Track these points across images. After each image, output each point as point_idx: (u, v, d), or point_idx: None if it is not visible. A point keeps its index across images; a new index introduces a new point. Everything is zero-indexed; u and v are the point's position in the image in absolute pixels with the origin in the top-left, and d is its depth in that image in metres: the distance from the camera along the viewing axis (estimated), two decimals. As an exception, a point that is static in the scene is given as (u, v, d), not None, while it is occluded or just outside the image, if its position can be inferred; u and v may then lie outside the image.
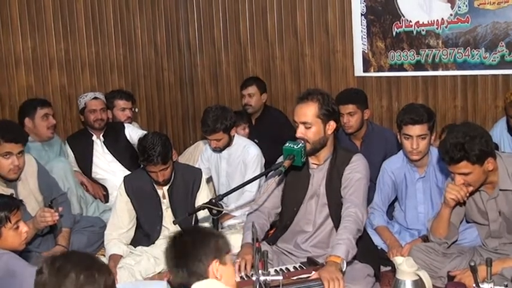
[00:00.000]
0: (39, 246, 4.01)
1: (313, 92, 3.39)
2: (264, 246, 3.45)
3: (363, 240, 3.36)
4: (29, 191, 4.11)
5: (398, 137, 4.03)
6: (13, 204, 3.18)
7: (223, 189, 4.62)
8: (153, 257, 4.04)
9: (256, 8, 6.20)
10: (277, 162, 3.41)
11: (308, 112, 3.28)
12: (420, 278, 2.95)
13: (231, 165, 4.75)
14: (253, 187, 4.44)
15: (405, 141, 3.94)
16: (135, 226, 4.16)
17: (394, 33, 5.44)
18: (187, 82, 6.65)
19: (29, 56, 5.40)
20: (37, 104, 4.96)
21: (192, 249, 2.29)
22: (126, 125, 5.32)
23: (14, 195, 3.81)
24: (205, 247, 2.30)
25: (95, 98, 5.21)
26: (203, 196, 4.09)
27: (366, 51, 5.64)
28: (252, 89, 5.64)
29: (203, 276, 2.25)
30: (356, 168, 3.36)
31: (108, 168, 5.13)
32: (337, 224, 3.30)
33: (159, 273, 3.98)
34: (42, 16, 5.45)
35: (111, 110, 5.42)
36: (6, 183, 3.99)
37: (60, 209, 3.85)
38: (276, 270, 3.17)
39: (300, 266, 3.22)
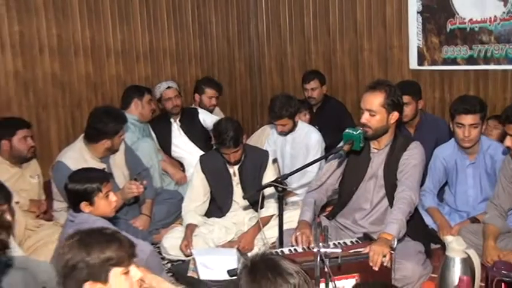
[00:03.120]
0: (126, 214, 4.14)
1: (382, 82, 3.37)
2: (324, 221, 3.49)
3: (415, 220, 3.35)
4: (117, 166, 4.26)
5: (451, 125, 3.97)
6: (104, 177, 3.32)
7: (287, 169, 4.63)
8: (224, 227, 4.12)
9: (319, 3, 6.18)
10: (337, 146, 3.42)
11: (374, 101, 3.26)
12: (469, 256, 2.93)
13: (295, 148, 4.76)
14: (314, 168, 4.45)
15: (458, 130, 3.88)
16: (209, 200, 4.21)
17: (448, 30, 5.34)
18: (255, 72, 6.67)
19: (119, 48, 5.52)
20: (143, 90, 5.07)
21: None
22: (200, 110, 5.36)
23: (106, 170, 3.95)
24: None
25: (169, 87, 5.25)
26: (269, 175, 4.11)
27: (421, 46, 5.56)
28: (314, 83, 5.60)
29: None
30: (413, 155, 3.33)
31: (185, 148, 5.19)
32: (392, 203, 3.30)
33: (230, 241, 4.05)
34: (130, 10, 5.56)
35: (200, 95, 5.48)
36: (100, 159, 4.14)
37: (144, 182, 3.97)
38: (334, 244, 3.18)
39: (356, 241, 3.22)
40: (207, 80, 5.65)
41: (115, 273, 2.06)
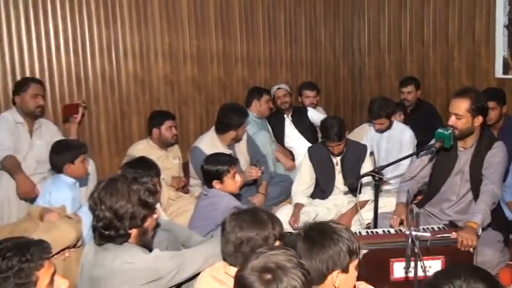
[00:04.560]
0: (246, 192, 4.19)
1: (469, 89, 3.23)
2: (414, 209, 3.40)
3: (496, 212, 3.19)
4: (241, 153, 4.36)
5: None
6: (232, 161, 3.41)
7: (382, 162, 4.51)
8: (326, 208, 4.12)
9: (415, 18, 5.95)
10: (430, 144, 3.32)
11: (461, 106, 3.13)
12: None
13: (390, 144, 4.63)
14: (406, 162, 4.31)
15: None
16: (314, 184, 4.21)
17: (532, 42, 5.00)
18: (357, 77, 6.57)
19: (245, 56, 5.57)
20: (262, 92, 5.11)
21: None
22: (309, 108, 5.35)
23: (232, 155, 4.03)
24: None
25: (278, 88, 5.31)
26: (366, 166, 4.05)
27: (506, 57, 5.24)
28: (410, 88, 5.39)
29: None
30: (497, 154, 3.17)
31: (295, 139, 5.20)
32: (476, 196, 3.17)
33: (331, 220, 4.01)
34: (255, 24, 5.62)
35: (301, 97, 5.49)
36: (228, 146, 4.25)
37: (262, 167, 4.04)
38: (423, 228, 3.09)
39: (443, 227, 3.11)
40: (304, 83, 5.63)
41: None
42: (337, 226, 1.96)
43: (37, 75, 4.40)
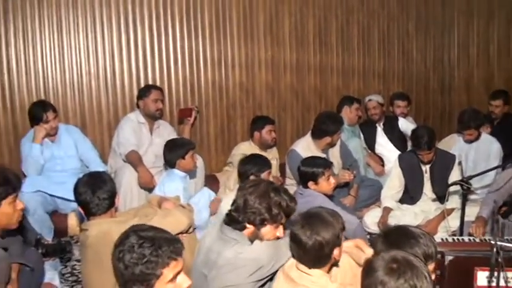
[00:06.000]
0: (338, 193, 4.16)
1: None
2: (500, 220, 3.31)
3: None
4: (334, 157, 4.38)
5: None
6: (327, 164, 3.47)
7: (469, 172, 4.33)
8: (414, 213, 4.07)
9: (503, 36, 5.84)
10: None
11: None
12: None
13: (478, 154, 4.48)
14: (492, 173, 4.16)
15: None
16: (403, 189, 4.18)
17: None
18: (446, 89, 6.39)
19: (317, 64, 5.51)
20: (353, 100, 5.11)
21: None
22: (399, 118, 5.26)
23: (327, 157, 4.09)
24: None
25: (370, 100, 5.27)
26: (454, 175, 3.95)
27: None
28: (499, 102, 5.16)
29: None
30: None
31: (385, 146, 5.14)
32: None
33: (417, 225, 3.99)
34: (328, 35, 5.62)
35: (392, 106, 5.44)
36: (322, 151, 4.28)
37: (354, 172, 4.07)
38: (507, 239, 3.00)
39: (529, 238, 3.01)
40: (398, 94, 5.52)
41: None
42: (416, 231, 1.98)
43: (158, 83, 4.75)
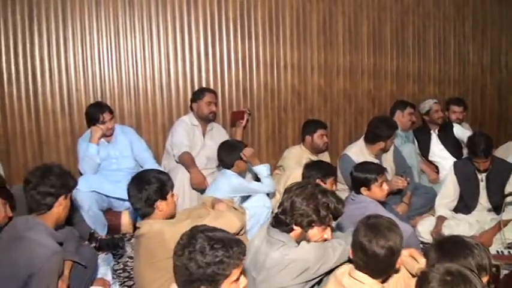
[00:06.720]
0: (391, 200, 4.04)
1: None
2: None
3: None
4: (387, 162, 4.30)
5: None
6: (381, 170, 3.39)
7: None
8: (468, 223, 3.94)
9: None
10: None
11: None
12: None
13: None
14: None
15: None
16: (457, 198, 4.08)
17: None
18: (504, 95, 6.16)
19: (371, 68, 5.48)
20: (406, 104, 5.04)
21: None
22: (454, 124, 5.12)
23: (379, 163, 4.05)
24: None
25: (435, 102, 5.18)
26: (512, 185, 3.82)
27: None
28: None
29: None
30: None
31: (440, 153, 5.02)
32: None
33: (471, 236, 3.84)
34: (382, 39, 5.53)
35: (448, 111, 5.30)
36: (375, 156, 4.25)
37: (408, 179, 3.96)
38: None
39: None
40: (455, 99, 5.38)
41: None
42: (470, 241, 1.96)
43: (211, 86, 4.84)
